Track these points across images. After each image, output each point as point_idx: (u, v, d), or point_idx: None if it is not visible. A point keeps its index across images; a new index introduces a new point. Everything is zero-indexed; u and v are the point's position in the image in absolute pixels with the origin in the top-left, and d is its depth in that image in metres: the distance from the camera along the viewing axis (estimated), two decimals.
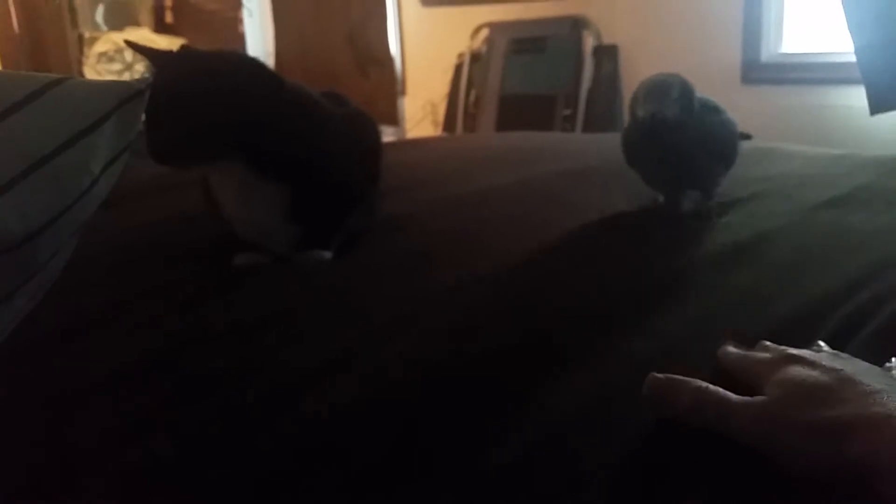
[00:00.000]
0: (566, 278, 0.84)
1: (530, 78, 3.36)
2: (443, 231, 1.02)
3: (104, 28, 3.82)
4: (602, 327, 0.70)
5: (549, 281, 0.83)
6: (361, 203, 0.97)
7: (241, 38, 3.88)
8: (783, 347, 0.55)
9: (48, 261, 0.56)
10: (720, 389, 0.50)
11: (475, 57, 3.54)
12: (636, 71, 3.17)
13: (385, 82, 3.83)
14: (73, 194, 0.54)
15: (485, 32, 3.53)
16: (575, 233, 0.98)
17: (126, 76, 3.76)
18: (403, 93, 3.92)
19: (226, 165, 0.84)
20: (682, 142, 0.97)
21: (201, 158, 0.84)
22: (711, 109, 1.02)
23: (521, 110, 3.35)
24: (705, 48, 3.00)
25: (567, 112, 3.24)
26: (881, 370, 0.52)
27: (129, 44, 0.86)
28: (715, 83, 2.88)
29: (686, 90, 0.96)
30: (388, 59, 3.82)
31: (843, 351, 0.56)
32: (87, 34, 3.74)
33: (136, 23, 3.95)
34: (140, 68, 3.68)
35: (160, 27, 4.02)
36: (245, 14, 3.90)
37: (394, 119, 3.83)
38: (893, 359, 0.55)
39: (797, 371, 0.50)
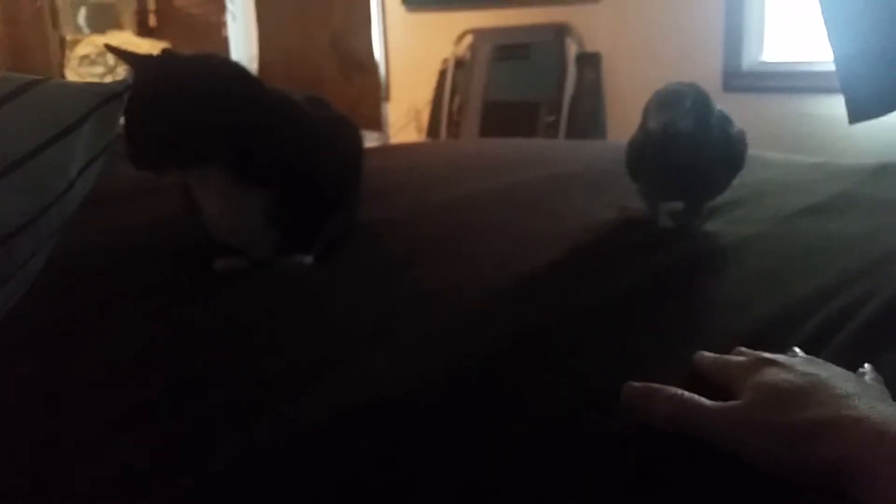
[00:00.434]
0: (549, 284, 0.84)
1: (514, 84, 3.38)
2: (426, 237, 1.02)
3: (86, 31, 3.79)
4: (584, 332, 0.70)
5: (531, 287, 0.83)
6: (342, 208, 0.97)
7: (224, 42, 3.86)
8: (758, 352, 0.56)
9: (26, 262, 0.56)
10: (695, 396, 0.51)
11: (459, 63, 3.55)
12: (619, 78, 3.19)
13: (369, 87, 3.83)
14: (50, 195, 0.54)
15: (469, 38, 3.54)
16: (557, 239, 0.99)
17: (108, 79, 3.73)
18: (387, 98, 3.92)
19: (206, 170, 0.84)
20: (695, 154, 0.92)
21: (181, 163, 0.83)
22: (726, 121, 0.97)
23: (505, 116, 3.36)
24: (687, 56, 3.02)
25: (550, 119, 3.25)
26: (854, 375, 0.52)
27: (109, 48, 0.85)
28: None
29: (701, 100, 0.91)
30: (372, 64, 3.82)
31: (817, 356, 0.57)
32: (69, 37, 3.71)
33: (118, 26, 3.92)
34: (122, 72, 3.66)
35: (143, 31, 3.99)
36: (229, 18, 3.89)
37: (378, 124, 3.82)
38: (866, 364, 0.55)
39: (771, 374, 0.51)
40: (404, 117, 3.80)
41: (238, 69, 0.86)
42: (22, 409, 0.58)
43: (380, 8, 3.82)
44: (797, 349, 0.59)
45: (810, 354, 0.57)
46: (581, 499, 0.47)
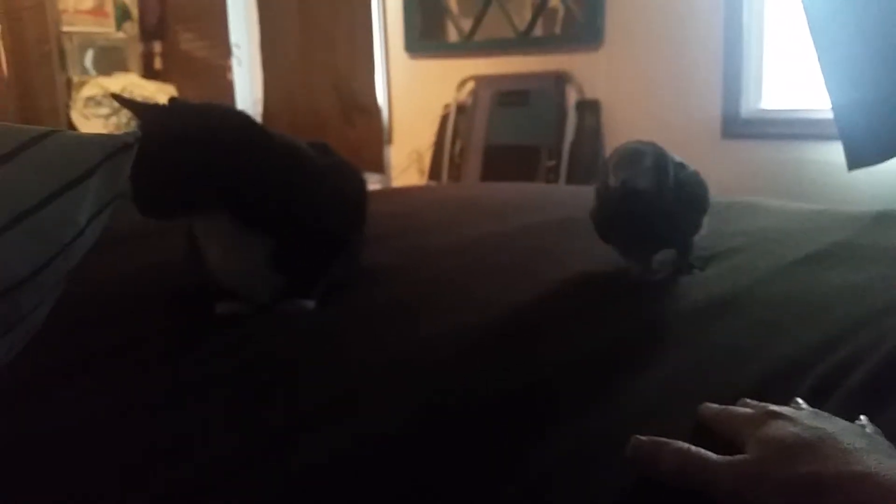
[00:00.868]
0: (550, 330, 0.84)
1: (515, 130, 3.41)
2: (427, 280, 1.03)
3: (93, 73, 3.84)
4: (584, 381, 0.70)
5: (533, 333, 0.83)
6: (344, 253, 0.98)
7: (229, 86, 3.91)
8: (763, 404, 0.56)
9: (31, 311, 0.56)
10: (702, 450, 0.51)
11: (461, 108, 3.59)
12: (618, 125, 3.22)
13: (372, 131, 3.86)
14: (57, 245, 0.54)
15: (471, 85, 3.59)
16: (558, 284, 0.99)
17: (113, 120, 3.77)
18: (390, 141, 3.95)
19: (211, 216, 0.84)
20: (657, 208, 0.94)
21: (186, 211, 0.84)
22: (680, 167, 0.99)
23: (506, 161, 3.39)
24: (686, 103, 3.06)
25: (551, 163, 3.28)
26: (860, 429, 0.52)
27: (116, 97, 0.86)
28: (695, 138, 2.93)
29: (660, 157, 0.93)
30: (375, 108, 3.86)
31: (821, 409, 0.56)
32: (75, 78, 3.75)
33: (124, 68, 3.97)
34: (127, 113, 3.69)
35: (149, 73, 4.04)
36: (234, 62, 3.94)
37: (380, 167, 3.85)
38: (863, 417, 0.55)
39: (778, 427, 0.50)
40: (406, 160, 3.83)
41: (244, 118, 0.87)
42: (25, 455, 0.58)
43: (383, 53, 3.88)
44: (801, 401, 0.59)
45: (814, 406, 0.57)
46: None
